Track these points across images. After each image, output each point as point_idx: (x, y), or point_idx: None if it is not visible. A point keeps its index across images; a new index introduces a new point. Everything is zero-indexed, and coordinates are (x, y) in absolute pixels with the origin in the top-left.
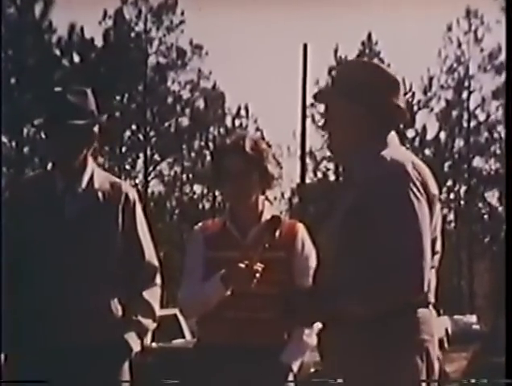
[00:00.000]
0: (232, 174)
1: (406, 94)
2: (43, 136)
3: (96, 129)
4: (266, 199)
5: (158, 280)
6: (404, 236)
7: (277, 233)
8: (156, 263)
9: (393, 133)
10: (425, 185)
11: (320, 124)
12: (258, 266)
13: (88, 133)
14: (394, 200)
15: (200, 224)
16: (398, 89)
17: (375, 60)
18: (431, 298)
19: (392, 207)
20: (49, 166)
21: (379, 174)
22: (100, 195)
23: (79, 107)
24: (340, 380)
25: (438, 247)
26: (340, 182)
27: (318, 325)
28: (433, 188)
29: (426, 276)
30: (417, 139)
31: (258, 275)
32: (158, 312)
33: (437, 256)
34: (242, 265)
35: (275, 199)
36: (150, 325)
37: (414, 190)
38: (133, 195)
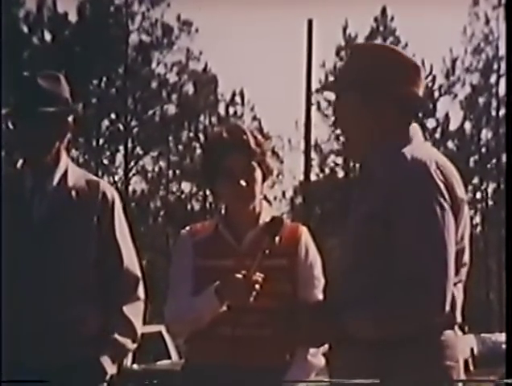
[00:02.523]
0: (234, 175)
1: (426, 78)
2: (10, 126)
3: (70, 118)
4: (265, 198)
5: (140, 292)
6: (424, 248)
7: (277, 238)
8: (138, 272)
9: (415, 125)
10: (451, 188)
11: (326, 112)
12: (258, 276)
13: (62, 123)
14: (413, 207)
15: (188, 228)
16: (419, 76)
17: (390, 39)
18: (457, 318)
19: (411, 215)
20: (19, 163)
21: (399, 177)
22: (73, 193)
23: (51, 94)
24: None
25: (465, 258)
26: (356, 182)
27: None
28: (460, 192)
29: (448, 294)
30: (438, 130)
31: (257, 286)
32: (141, 329)
33: (464, 269)
34: (239, 276)
35: (275, 198)
36: (130, 345)
37: (438, 195)
38: (111, 194)
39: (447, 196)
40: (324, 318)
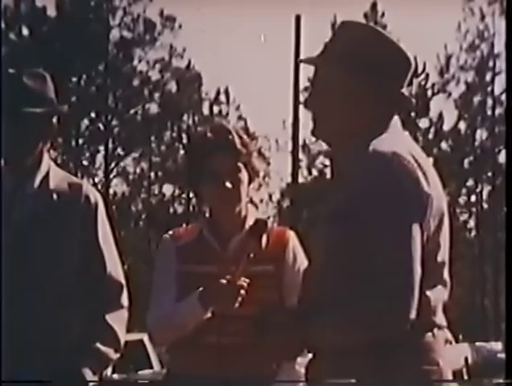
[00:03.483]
0: (220, 176)
1: (418, 76)
2: None
3: (55, 119)
4: (251, 201)
5: (124, 300)
6: (387, 247)
7: (263, 241)
8: (122, 279)
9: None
10: (417, 183)
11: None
12: (243, 281)
13: (47, 124)
14: (373, 204)
15: (171, 232)
16: (409, 72)
17: None
18: (438, 320)
19: (371, 214)
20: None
21: (366, 170)
22: (55, 196)
23: (38, 93)
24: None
25: (442, 257)
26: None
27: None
28: (431, 187)
29: (413, 299)
30: (432, 130)
31: (242, 292)
32: (124, 339)
33: (443, 269)
34: (223, 281)
35: (261, 201)
36: (113, 355)
37: (411, 190)
38: (95, 197)
39: (412, 192)
40: (293, 327)
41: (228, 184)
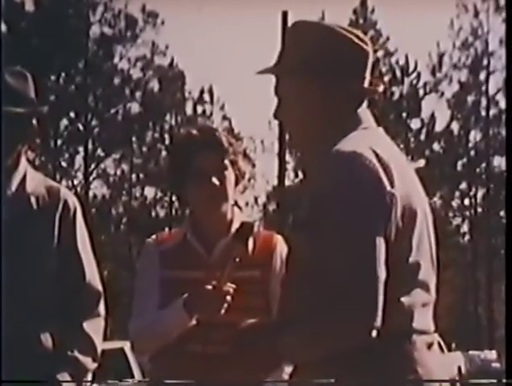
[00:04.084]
0: (206, 175)
1: (410, 75)
2: None
3: (34, 120)
4: (236, 204)
5: (101, 309)
6: (345, 252)
7: (250, 245)
8: (99, 287)
9: (364, 110)
10: (378, 180)
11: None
12: (228, 287)
13: (27, 125)
14: (337, 206)
15: (154, 236)
16: (366, 61)
17: (371, 33)
18: (417, 325)
19: (334, 216)
20: None
21: (324, 173)
22: (33, 200)
23: (19, 93)
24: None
25: (414, 259)
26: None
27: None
28: (397, 184)
29: (374, 305)
30: (423, 131)
31: (228, 298)
32: (101, 348)
33: (419, 271)
34: (209, 287)
35: (247, 204)
36: (90, 364)
37: (371, 190)
38: (73, 201)
39: (373, 192)
40: (263, 340)
41: (215, 180)
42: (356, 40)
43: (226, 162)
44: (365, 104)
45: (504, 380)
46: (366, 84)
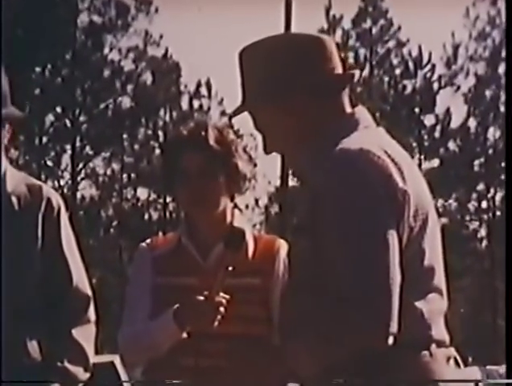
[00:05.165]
0: (191, 176)
1: (423, 68)
2: None
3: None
4: (235, 206)
5: (91, 314)
6: (357, 253)
7: (245, 251)
8: (88, 291)
9: (360, 109)
10: (387, 180)
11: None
12: (222, 297)
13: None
14: (345, 207)
15: (148, 241)
16: (326, 49)
17: (381, 22)
18: (436, 335)
19: (343, 216)
20: None
21: (328, 173)
22: (14, 200)
23: None
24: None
25: (429, 262)
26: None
27: None
28: (412, 184)
29: (392, 308)
30: (438, 128)
31: (221, 309)
32: (93, 356)
33: (433, 276)
34: (200, 297)
35: (247, 207)
36: (82, 374)
37: (382, 187)
38: (57, 201)
39: (384, 189)
40: (265, 352)
41: (197, 184)
42: (303, 37)
43: (213, 163)
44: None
45: (504, 380)
46: (340, 71)
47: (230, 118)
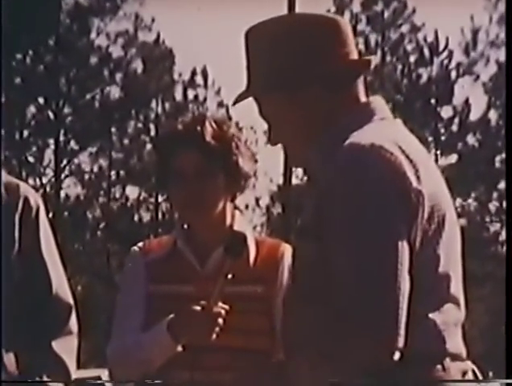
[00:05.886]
0: (186, 176)
1: (440, 54)
2: None
3: None
4: (235, 207)
5: (73, 324)
6: (363, 256)
7: (246, 257)
8: (70, 299)
9: (376, 99)
10: (413, 177)
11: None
12: (220, 308)
13: None
14: (352, 207)
15: (139, 245)
16: (340, 34)
17: (394, 4)
18: (451, 349)
19: (350, 217)
20: None
21: (336, 169)
22: None
23: None
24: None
25: (444, 269)
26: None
27: None
28: (428, 184)
29: (399, 319)
30: (455, 121)
31: (219, 321)
32: (75, 373)
33: (449, 284)
34: (197, 308)
35: (247, 207)
36: None
37: (394, 185)
38: (35, 200)
39: (396, 188)
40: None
41: (193, 184)
42: (316, 17)
43: (211, 160)
44: (379, 96)
45: (504, 380)
46: (355, 57)
47: (234, 104)
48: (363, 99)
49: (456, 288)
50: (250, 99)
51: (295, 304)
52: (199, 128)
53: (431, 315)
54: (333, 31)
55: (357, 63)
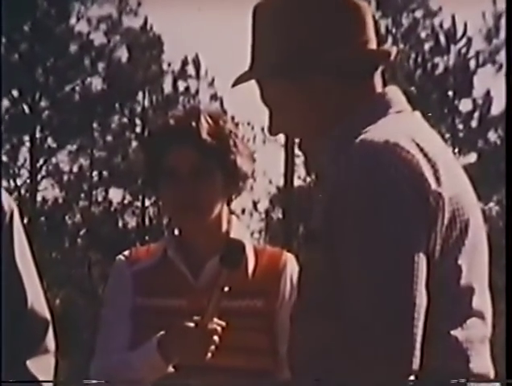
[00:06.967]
0: (180, 176)
1: (458, 42)
2: None
3: None
4: (231, 212)
5: (49, 342)
6: (375, 268)
7: (244, 268)
8: (47, 314)
9: (392, 89)
10: (433, 179)
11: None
12: (215, 324)
13: None
14: (363, 212)
15: (125, 254)
16: (359, 19)
17: None
18: (476, 369)
19: (359, 224)
20: None
21: (346, 169)
22: None
23: None
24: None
25: (467, 280)
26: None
27: None
28: (449, 186)
29: (414, 339)
30: (475, 115)
31: (215, 338)
32: None
33: (471, 297)
34: (190, 324)
35: (243, 212)
36: None
37: (410, 188)
38: (9, 204)
39: (413, 191)
40: None
41: (188, 186)
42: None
43: (206, 159)
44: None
45: (504, 380)
46: (374, 46)
47: (234, 85)
48: (379, 89)
49: (481, 301)
50: (249, 89)
51: (303, 321)
52: (194, 123)
53: (452, 332)
54: (353, 16)
55: (375, 54)
